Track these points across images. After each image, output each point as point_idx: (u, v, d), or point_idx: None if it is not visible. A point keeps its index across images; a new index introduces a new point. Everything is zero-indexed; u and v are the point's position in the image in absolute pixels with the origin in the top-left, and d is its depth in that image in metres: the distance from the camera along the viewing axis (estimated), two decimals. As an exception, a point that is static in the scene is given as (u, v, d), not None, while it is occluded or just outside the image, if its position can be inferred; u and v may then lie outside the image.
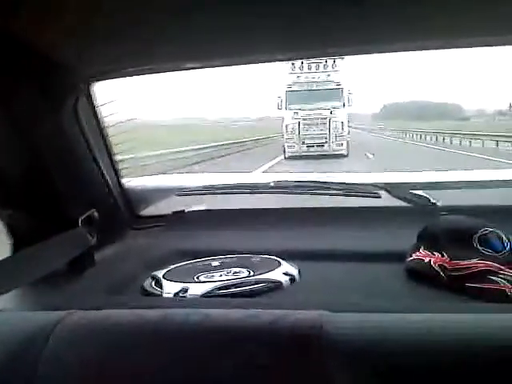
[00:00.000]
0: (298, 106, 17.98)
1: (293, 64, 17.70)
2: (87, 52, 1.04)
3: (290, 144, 17.61)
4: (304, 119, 17.79)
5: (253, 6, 0.87)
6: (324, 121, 17.69)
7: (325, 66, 17.83)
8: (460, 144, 22.09)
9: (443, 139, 25.61)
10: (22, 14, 0.83)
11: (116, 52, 1.07)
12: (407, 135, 32.64)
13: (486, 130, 22.74)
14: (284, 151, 17.40)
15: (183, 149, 14.29)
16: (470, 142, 21.39)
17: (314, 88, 17.92)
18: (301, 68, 17.86)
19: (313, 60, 17.15)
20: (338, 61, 17.72)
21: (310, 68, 17.88)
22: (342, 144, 17.29)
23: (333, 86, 17.94)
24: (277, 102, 18.09)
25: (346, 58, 17.68)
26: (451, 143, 23.79)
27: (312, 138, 17.52)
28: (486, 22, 0.97)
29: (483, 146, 19.14)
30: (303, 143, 17.57)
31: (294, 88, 18.03)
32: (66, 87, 1.10)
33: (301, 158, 16.58)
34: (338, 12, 0.91)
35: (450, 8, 0.89)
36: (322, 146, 17.37)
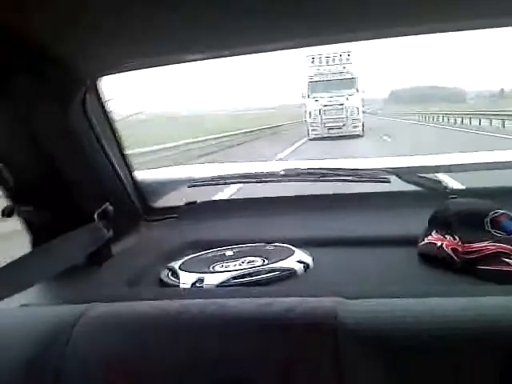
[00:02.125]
0: (318, 95, 18.20)
1: (313, 58, 17.83)
2: (92, 48, 0.91)
3: (313, 128, 17.95)
4: (324, 105, 17.83)
5: None
6: (341, 106, 17.86)
7: (340, 60, 17.95)
8: (446, 121, 24.29)
9: (436, 118, 27.39)
10: (27, 12, 0.72)
11: (122, 47, 0.93)
12: (416, 116, 33.24)
13: (476, 110, 23.87)
14: (308, 134, 17.49)
15: (210, 137, 14.03)
16: (462, 119, 22.50)
17: (332, 78, 18.00)
18: (320, 61, 17.95)
19: (330, 54, 17.28)
20: (352, 54, 17.78)
21: (327, 61, 17.95)
22: (357, 126, 17.50)
23: (348, 76, 18.10)
24: (300, 91, 18.30)
25: (358, 50, 17.67)
26: (432, 120, 26.58)
27: (332, 122, 17.77)
28: (491, 4, 0.81)
29: (470, 123, 20.41)
30: (324, 126, 17.76)
31: (315, 79, 18.21)
32: (73, 83, 0.97)
33: (323, 138, 16.85)
34: None
35: None
36: (341, 128, 17.59)
